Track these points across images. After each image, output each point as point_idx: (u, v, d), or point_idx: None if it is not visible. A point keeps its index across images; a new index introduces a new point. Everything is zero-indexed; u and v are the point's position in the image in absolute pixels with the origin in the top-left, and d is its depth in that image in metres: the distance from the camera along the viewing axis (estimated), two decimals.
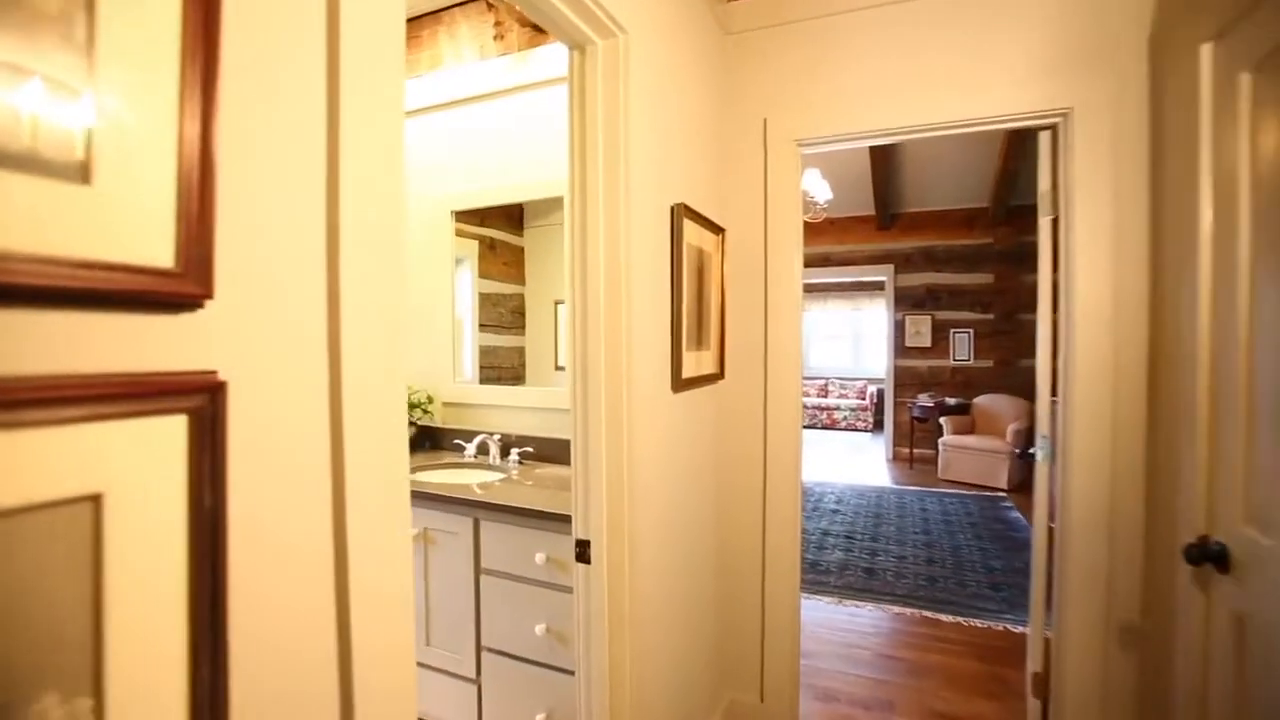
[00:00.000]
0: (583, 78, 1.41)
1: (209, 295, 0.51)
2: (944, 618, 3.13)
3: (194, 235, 0.50)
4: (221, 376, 0.53)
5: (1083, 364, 1.78)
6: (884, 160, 6.12)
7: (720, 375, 2.08)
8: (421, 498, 2.04)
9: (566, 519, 1.73)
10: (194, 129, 0.50)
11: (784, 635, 2.21)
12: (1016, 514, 4.99)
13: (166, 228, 0.48)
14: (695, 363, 1.81)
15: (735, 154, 2.21)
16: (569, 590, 1.76)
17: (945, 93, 1.94)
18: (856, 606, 3.29)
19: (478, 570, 1.97)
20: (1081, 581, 1.78)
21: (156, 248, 0.48)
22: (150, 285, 0.47)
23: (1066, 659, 1.81)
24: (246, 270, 0.57)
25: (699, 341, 1.85)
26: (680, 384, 1.67)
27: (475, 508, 1.95)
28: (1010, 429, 5.81)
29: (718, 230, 2.01)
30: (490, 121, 2.62)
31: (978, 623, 3.07)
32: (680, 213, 1.66)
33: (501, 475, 2.35)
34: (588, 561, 1.43)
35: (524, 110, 2.53)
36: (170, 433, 0.48)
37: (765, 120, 2.16)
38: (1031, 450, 2.30)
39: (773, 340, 2.16)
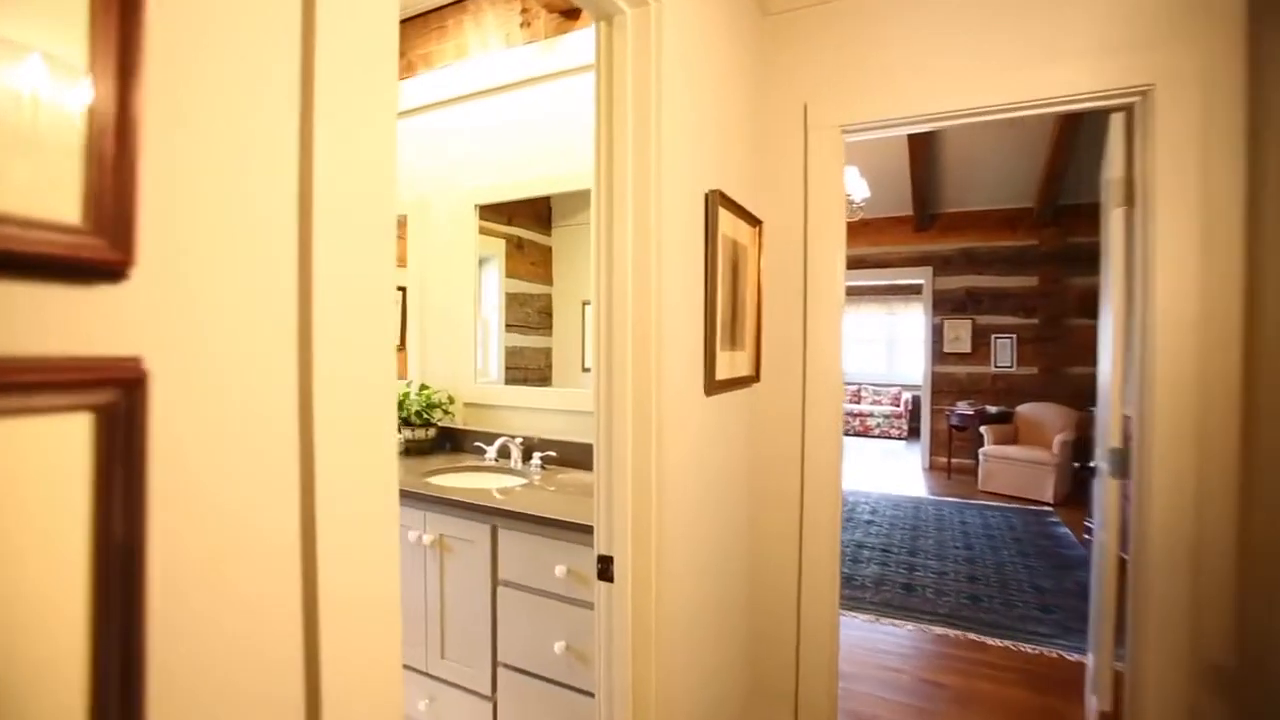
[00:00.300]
0: (610, 51, 1.30)
1: (129, 261, 0.40)
2: (990, 641, 2.93)
3: (109, 185, 0.39)
4: (146, 365, 0.42)
5: (1164, 372, 1.59)
6: (923, 158, 5.90)
7: (755, 378, 1.94)
8: (437, 503, 1.95)
9: (589, 530, 1.61)
10: (109, 49, 0.39)
11: (821, 654, 2.05)
12: (1065, 529, 4.72)
13: (70, 173, 0.38)
14: (729, 364, 1.67)
15: (773, 142, 2.07)
16: (590, 606, 1.64)
17: (1004, 72, 1.77)
18: (894, 625, 3.11)
19: (495, 581, 1.87)
20: (1161, 616, 1.59)
21: (55, 197, 0.37)
22: (44, 244, 0.36)
23: (1145, 704, 1.62)
24: (187, 236, 0.46)
25: (733, 341, 1.71)
26: (714, 386, 1.54)
27: (493, 515, 1.84)
28: (1057, 440, 5.52)
29: (754, 222, 1.87)
30: (516, 112, 2.52)
31: (1027, 648, 2.86)
32: (715, 200, 1.53)
33: (523, 480, 2.24)
34: (610, 579, 1.31)
35: (551, 100, 2.43)
36: (67, 437, 0.37)
37: (805, 106, 2.02)
38: (1091, 464, 2.11)
39: (812, 341, 2.01)
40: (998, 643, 2.91)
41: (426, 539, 1.97)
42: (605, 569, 1.31)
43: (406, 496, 2.04)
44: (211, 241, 0.48)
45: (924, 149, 5.77)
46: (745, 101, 1.92)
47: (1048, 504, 5.49)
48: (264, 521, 0.52)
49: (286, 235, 0.54)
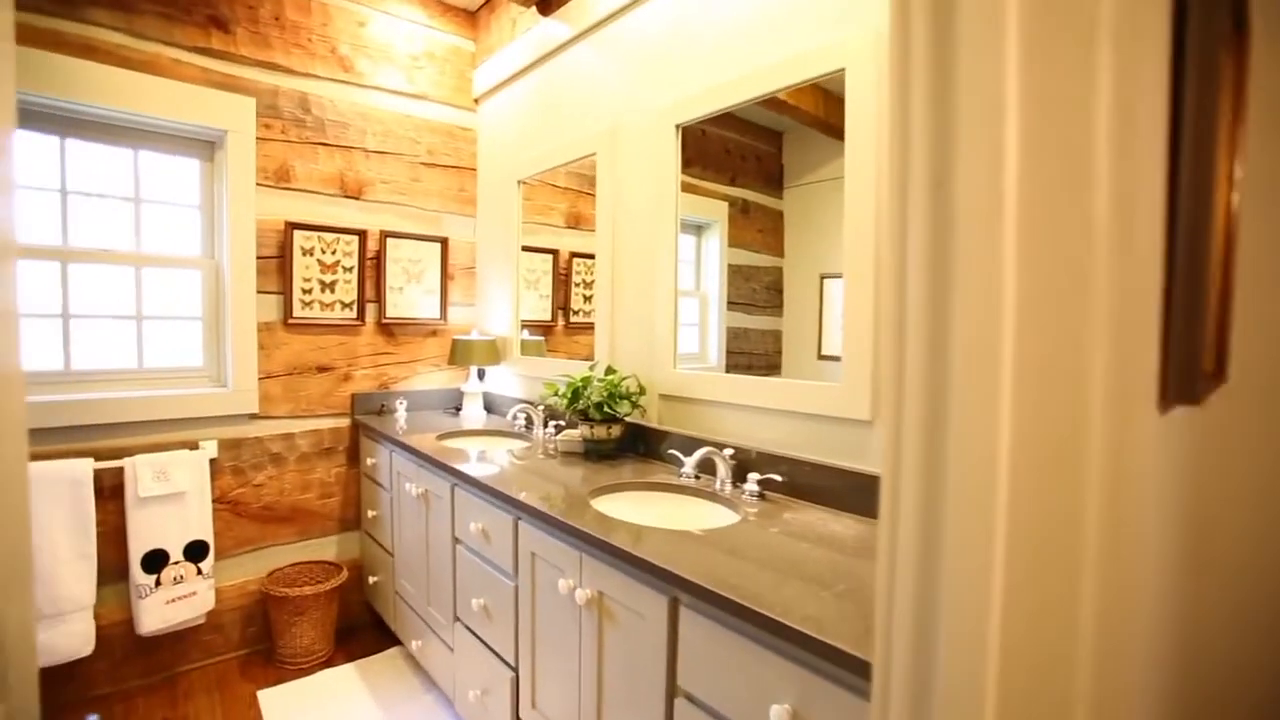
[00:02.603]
0: None
1: None
2: None
3: None
4: None
5: None
6: None
7: (1218, 373, 0.91)
8: (595, 546, 1.30)
9: (843, 658, 0.82)
10: None
11: None
12: None
13: None
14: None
15: None
16: None
17: None
18: None
19: (671, 687, 1.16)
20: None
21: None
22: None
23: None
24: None
25: None
26: (1196, 384, 0.61)
27: (674, 584, 1.13)
28: None
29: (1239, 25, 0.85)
30: None
31: None
32: None
33: (731, 515, 1.50)
34: None
35: None
36: None
37: None
38: None
39: None
40: None
41: (581, 595, 1.33)
42: None
43: (555, 527, 1.43)
44: None
45: None
46: None
47: None
48: None
49: None
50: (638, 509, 1.61)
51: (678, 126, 1.93)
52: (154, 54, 2.21)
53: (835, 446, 1.52)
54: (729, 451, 1.69)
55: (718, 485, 1.66)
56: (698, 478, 1.74)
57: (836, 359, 1.59)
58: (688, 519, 1.56)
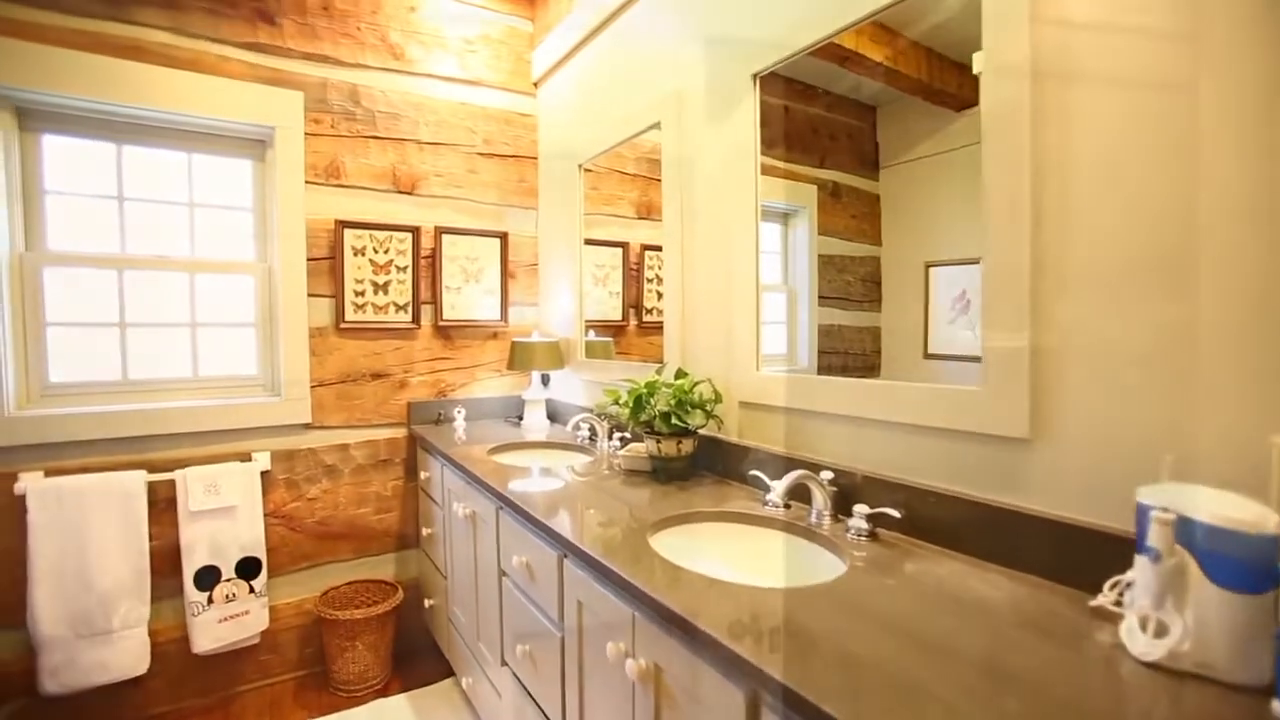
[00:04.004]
0: None
1: None
2: None
3: None
4: None
5: None
6: None
7: None
8: (649, 605, 0.99)
9: None
10: None
11: None
12: None
13: None
14: None
15: None
16: None
17: None
18: None
19: None
20: None
21: None
22: None
23: None
24: None
25: None
26: None
27: (753, 677, 0.79)
28: None
29: None
30: None
31: None
32: None
33: (835, 564, 1.16)
34: None
35: None
36: None
37: None
38: None
39: None
40: None
41: (632, 666, 1.02)
42: None
43: (601, 573, 1.13)
44: None
45: None
46: None
47: None
48: None
49: None
50: (710, 548, 1.29)
51: (755, 76, 1.60)
52: (200, 52, 2.12)
53: (972, 472, 1.14)
54: (827, 475, 1.33)
55: (813, 518, 1.31)
56: (788, 506, 1.39)
57: (949, 358, 1.26)
58: (775, 565, 1.22)
